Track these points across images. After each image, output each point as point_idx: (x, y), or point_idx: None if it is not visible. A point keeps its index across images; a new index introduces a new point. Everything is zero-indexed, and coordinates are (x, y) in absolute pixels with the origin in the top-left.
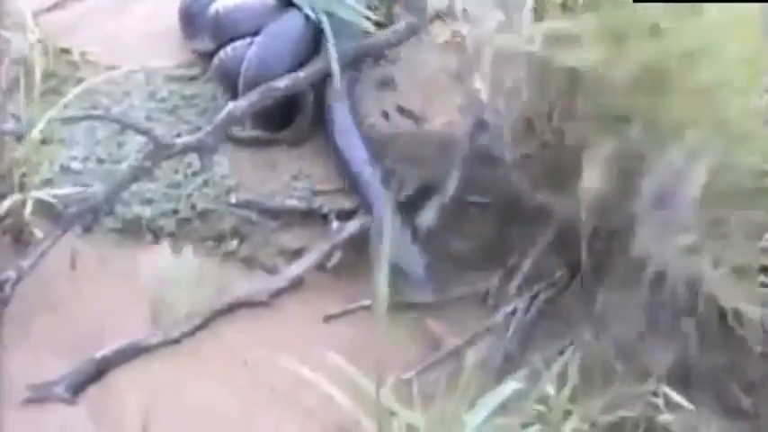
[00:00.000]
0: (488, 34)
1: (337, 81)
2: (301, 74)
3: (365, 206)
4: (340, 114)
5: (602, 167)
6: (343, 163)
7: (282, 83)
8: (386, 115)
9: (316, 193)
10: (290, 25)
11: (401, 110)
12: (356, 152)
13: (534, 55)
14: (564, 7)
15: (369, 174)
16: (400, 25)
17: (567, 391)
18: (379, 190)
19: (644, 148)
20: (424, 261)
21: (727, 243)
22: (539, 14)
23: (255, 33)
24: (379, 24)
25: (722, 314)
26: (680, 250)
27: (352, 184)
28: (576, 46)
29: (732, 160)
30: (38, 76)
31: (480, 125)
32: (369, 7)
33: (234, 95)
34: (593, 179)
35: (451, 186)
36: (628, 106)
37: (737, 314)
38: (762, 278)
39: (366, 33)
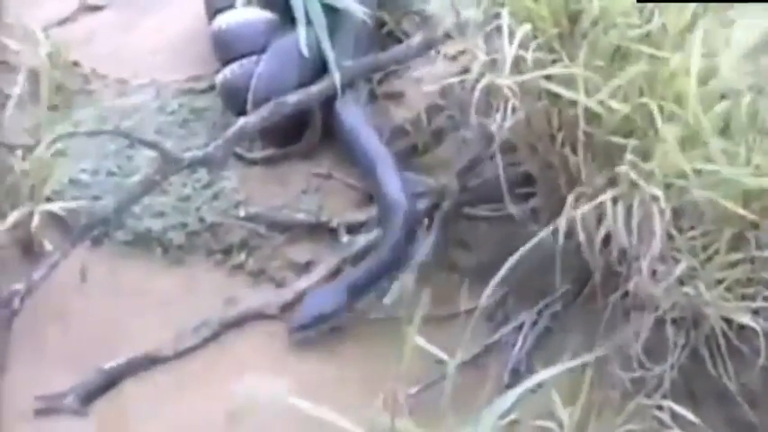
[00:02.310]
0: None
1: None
2: (313, 89)
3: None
4: (358, 123)
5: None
6: (364, 166)
7: (293, 98)
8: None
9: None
10: (297, 42)
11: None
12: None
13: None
14: (561, 36)
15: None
16: (414, 40)
17: (576, 408)
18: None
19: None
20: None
21: (720, 262)
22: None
23: (260, 50)
24: (390, 35)
25: (724, 330)
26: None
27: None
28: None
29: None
30: (46, 88)
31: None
32: (380, 23)
33: (241, 112)
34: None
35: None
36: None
37: (740, 329)
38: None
39: (379, 48)
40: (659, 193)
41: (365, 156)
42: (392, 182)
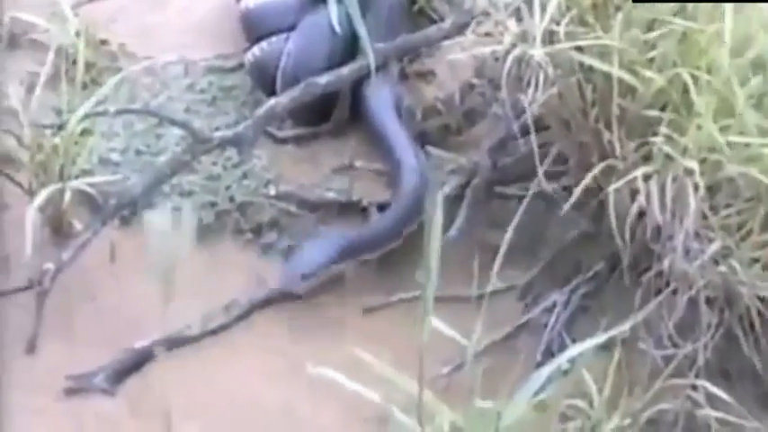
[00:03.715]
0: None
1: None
2: (344, 71)
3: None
4: (383, 106)
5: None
6: (386, 150)
7: (324, 79)
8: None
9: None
10: (326, 19)
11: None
12: (400, 140)
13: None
14: (594, 7)
15: (412, 164)
16: (447, 22)
17: (608, 387)
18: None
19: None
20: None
21: (755, 240)
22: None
23: (289, 29)
24: (421, 12)
25: (759, 309)
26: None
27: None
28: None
29: None
30: (81, 67)
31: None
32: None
33: (269, 90)
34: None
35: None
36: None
37: None
38: None
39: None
40: (695, 166)
41: (386, 138)
42: (407, 160)
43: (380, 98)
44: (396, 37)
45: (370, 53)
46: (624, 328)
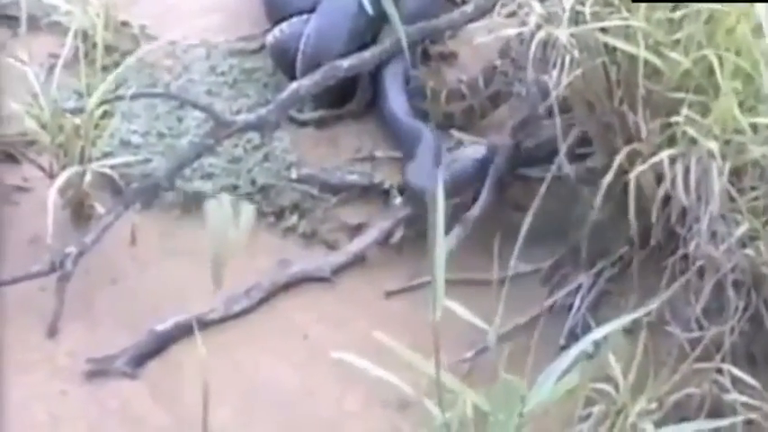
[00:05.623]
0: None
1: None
2: (367, 54)
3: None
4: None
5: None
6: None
7: (347, 63)
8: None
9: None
10: (346, 1)
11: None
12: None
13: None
14: None
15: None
16: (469, 6)
17: (633, 371)
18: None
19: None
20: None
21: None
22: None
23: (310, 10)
24: None
25: None
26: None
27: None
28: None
29: None
30: (100, 49)
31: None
32: None
33: (290, 72)
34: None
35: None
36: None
37: None
38: None
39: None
40: (715, 147)
41: (397, 122)
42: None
43: (392, 81)
44: None
45: (402, 36)
46: (650, 309)
